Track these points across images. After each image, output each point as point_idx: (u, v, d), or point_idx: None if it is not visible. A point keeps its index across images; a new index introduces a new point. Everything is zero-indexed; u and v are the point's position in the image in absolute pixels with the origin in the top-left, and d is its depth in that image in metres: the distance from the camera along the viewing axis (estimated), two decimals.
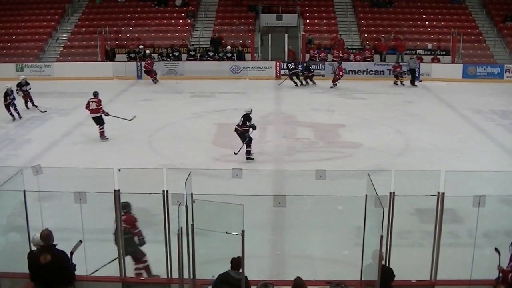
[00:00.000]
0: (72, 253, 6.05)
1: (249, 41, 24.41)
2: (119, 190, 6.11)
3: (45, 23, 25.85)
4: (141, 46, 23.78)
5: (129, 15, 26.16)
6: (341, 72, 20.88)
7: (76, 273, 6.08)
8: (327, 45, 24.48)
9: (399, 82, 21.37)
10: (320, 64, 22.86)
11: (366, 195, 6.02)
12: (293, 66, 21.35)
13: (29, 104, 17.11)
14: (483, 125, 15.46)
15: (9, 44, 24.67)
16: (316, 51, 23.83)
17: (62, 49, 24.72)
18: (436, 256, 6.29)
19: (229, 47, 23.92)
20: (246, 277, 5.49)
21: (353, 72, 22.80)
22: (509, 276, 5.85)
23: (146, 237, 7.38)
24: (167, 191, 6.08)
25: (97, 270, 6.68)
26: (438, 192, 6.07)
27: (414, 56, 22.16)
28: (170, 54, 23.84)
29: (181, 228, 5.65)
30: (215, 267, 5.87)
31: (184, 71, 23.05)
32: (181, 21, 26.20)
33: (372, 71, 22.89)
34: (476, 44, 24.19)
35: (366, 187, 6.00)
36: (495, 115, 16.69)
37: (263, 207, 7.33)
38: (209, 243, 5.92)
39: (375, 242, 5.36)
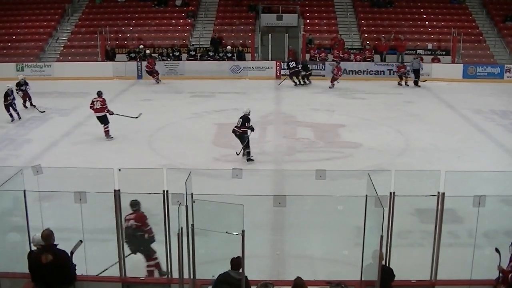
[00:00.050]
0: (72, 253, 6.05)
1: (249, 41, 24.41)
2: (119, 190, 6.12)
3: (45, 23, 25.85)
4: (141, 46, 23.78)
5: (129, 15, 26.16)
6: (339, 72, 20.86)
7: (76, 273, 6.08)
8: (327, 45, 24.47)
9: (403, 83, 21.33)
10: (321, 64, 22.86)
11: (366, 195, 6.02)
12: (294, 65, 21.35)
13: (27, 103, 17.10)
14: (483, 125, 15.46)
15: (9, 44, 24.67)
16: (316, 51, 23.83)
17: (62, 49, 24.72)
18: (436, 256, 6.29)
19: (229, 47, 23.92)
20: (246, 277, 5.49)
21: (353, 72, 22.80)
22: (509, 276, 5.85)
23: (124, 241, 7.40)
24: (167, 191, 6.09)
25: (106, 270, 6.69)
26: (438, 192, 6.07)
27: (418, 56, 22.13)
28: (170, 54, 23.84)
29: (181, 228, 5.65)
30: (215, 267, 5.87)
31: (184, 71, 23.06)
32: (181, 21, 26.20)
33: (372, 71, 22.89)
34: (476, 44, 24.18)
35: (366, 187, 6.00)
36: (495, 115, 16.69)
37: (263, 207, 7.33)
38: (209, 243, 5.92)
39: (375, 242, 5.36)
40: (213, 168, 11.46)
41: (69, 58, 23.98)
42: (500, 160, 12.57)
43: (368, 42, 23.97)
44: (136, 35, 25.09)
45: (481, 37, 24.50)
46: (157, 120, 15.45)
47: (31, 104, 17.06)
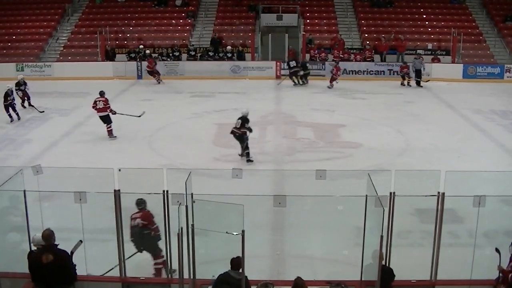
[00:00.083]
0: (72, 253, 6.06)
1: (249, 41, 24.41)
2: (119, 190, 6.12)
3: (45, 23, 25.86)
4: (141, 46, 23.78)
5: (129, 15, 26.16)
6: (338, 72, 20.85)
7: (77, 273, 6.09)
8: (327, 45, 24.47)
9: (405, 83, 21.32)
10: (321, 64, 22.86)
11: (366, 195, 6.02)
12: (294, 65, 21.36)
13: (26, 103, 17.08)
14: (483, 125, 15.46)
15: (9, 44, 24.67)
16: (316, 51, 23.83)
17: (62, 49, 24.73)
18: (436, 256, 6.29)
19: (229, 47, 23.92)
20: (246, 277, 5.49)
21: (353, 72, 22.80)
22: (509, 276, 5.85)
23: (130, 240, 7.41)
24: (167, 191, 6.09)
25: (112, 269, 6.70)
26: (438, 192, 6.07)
27: (420, 56, 22.12)
28: (170, 54, 23.84)
29: (181, 228, 5.65)
30: (215, 267, 5.87)
31: (184, 71, 23.06)
32: (181, 21, 26.20)
33: (372, 71, 22.89)
34: (476, 44, 24.19)
35: (366, 187, 6.00)
36: (495, 115, 16.69)
37: (263, 207, 7.33)
38: (209, 243, 5.92)
39: (375, 242, 5.36)
40: (213, 168, 11.46)
41: (69, 58, 23.98)
42: (500, 160, 12.57)
43: (368, 42, 23.97)
44: (136, 35, 25.10)
45: (481, 37, 24.51)
46: (157, 120, 15.45)
47: (30, 104, 17.06)
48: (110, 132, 13.90)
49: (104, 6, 26.97)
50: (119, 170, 6.26)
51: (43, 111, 16.61)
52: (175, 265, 6.53)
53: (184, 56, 23.91)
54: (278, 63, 22.93)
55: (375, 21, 25.89)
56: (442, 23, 25.09)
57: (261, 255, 7.91)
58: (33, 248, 6.36)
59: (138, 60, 22.91)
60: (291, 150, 13.31)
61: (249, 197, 5.90)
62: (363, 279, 6.12)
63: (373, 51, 23.51)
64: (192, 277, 5.85)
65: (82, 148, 13.31)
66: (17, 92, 16.47)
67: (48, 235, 5.88)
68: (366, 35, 24.86)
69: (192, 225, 5.54)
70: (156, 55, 23.68)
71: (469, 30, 24.59)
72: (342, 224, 7.85)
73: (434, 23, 25.27)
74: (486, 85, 21.48)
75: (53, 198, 7.27)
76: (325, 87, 20.70)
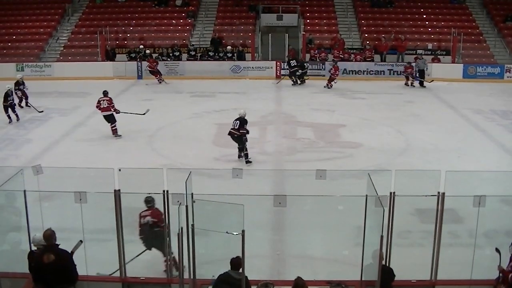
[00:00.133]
0: (72, 253, 6.06)
1: (250, 41, 24.40)
2: (119, 190, 6.12)
3: (45, 23, 25.85)
4: (141, 46, 23.77)
5: (129, 15, 26.15)
6: (337, 72, 20.83)
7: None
8: (327, 45, 24.46)
9: (409, 83, 21.30)
10: (321, 64, 22.85)
11: (367, 195, 6.02)
12: (295, 64, 21.37)
13: (23, 103, 17.05)
14: (484, 125, 15.46)
15: (9, 44, 24.66)
16: (316, 51, 23.82)
17: (62, 49, 24.72)
18: (436, 256, 6.29)
19: (229, 47, 23.91)
20: (246, 277, 5.49)
21: (353, 72, 22.78)
22: (510, 276, 5.85)
23: (139, 238, 7.41)
24: (167, 191, 6.10)
25: (117, 271, 6.71)
26: (438, 192, 6.08)
27: (423, 57, 22.08)
28: (171, 54, 23.83)
29: (181, 228, 5.66)
30: (215, 267, 5.88)
31: (185, 71, 23.05)
32: (181, 21, 26.20)
33: (372, 71, 22.88)
34: (476, 44, 24.18)
35: (366, 187, 6.00)
36: (496, 115, 16.69)
37: (263, 207, 7.33)
38: (209, 243, 5.92)
39: (376, 242, 5.36)
40: (213, 168, 11.46)
41: (69, 58, 23.97)
42: (500, 160, 12.57)
43: (368, 42, 23.96)
44: (136, 35, 25.10)
45: (481, 37, 24.50)
46: (157, 120, 15.44)
47: (27, 104, 17.05)
48: (114, 131, 13.96)
49: (104, 6, 26.97)
50: (119, 170, 6.26)
51: (42, 111, 16.57)
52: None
53: (184, 56, 23.90)
54: (278, 63, 22.93)
55: (375, 21, 25.88)
56: (442, 23, 25.08)
57: (261, 255, 7.91)
58: (33, 248, 6.36)
59: (138, 60, 22.91)
60: (291, 150, 13.31)
61: (249, 197, 5.91)
62: (363, 279, 6.13)
63: (373, 51, 23.49)
64: (192, 277, 5.85)
65: (82, 148, 13.31)
66: (16, 92, 16.45)
67: (50, 235, 5.88)
68: (366, 35, 24.85)
69: (192, 225, 5.54)
70: (156, 55, 23.67)
71: (469, 30, 24.58)
72: (342, 224, 7.86)
73: (434, 23, 25.26)
74: (486, 85, 21.47)
75: (53, 198, 7.27)
76: (325, 87, 20.67)
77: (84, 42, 24.77)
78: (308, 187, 7.27)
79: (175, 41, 24.58)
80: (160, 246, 7.17)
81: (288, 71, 21.63)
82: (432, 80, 21.17)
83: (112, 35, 24.85)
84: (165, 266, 7.02)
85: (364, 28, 25.40)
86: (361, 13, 26.18)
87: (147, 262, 7.27)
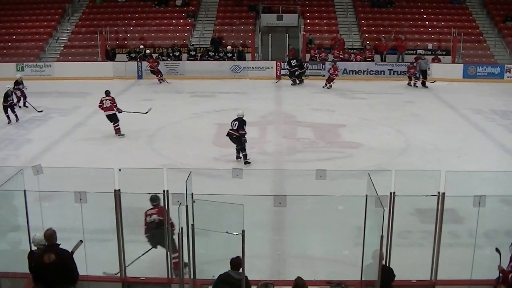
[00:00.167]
0: (72, 253, 6.06)
1: (250, 41, 24.40)
2: (119, 190, 6.12)
3: (45, 23, 25.86)
4: (141, 46, 23.78)
5: (129, 15, 26.16)
6: (335, 72, 20.82)
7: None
8: (327, 45, 24.46)
9: (412, 83, 21.30)
10: (321, 64, 22.85)
11: (367, 195, 6.02)
12: (295, 63, 21.37)
13: (21, 103, 17.05)
14: (484, 125, 15.46)
15: (9, 44, 24.66)
16: (316, 51, 23.81)
17: (62, 49, 24.72)
18: (437, 256, 6.30)
19: (229, 47, 23.91)
20: (246, 277, 5.49)
21: (353, 72, 22.78)
22: (510, 276, 5.86)
23: (145, 236, 7.41)
24: (167, 191, 6.10)
25: (129, 264, 6.73)
26: (438, 192, 6.08)
27: (425, 57, 22.06)
28: (171, 54, 23.83)
29: (181, 228, 5.66)
30: (215, 267, 5.88)
31: (185, 71, 23.05)
32: (181, 21, 26.20)
33: (372, 71, 22.87)
34: (476, 44, 24.18)
35: (367, 187, 6.00)
36: (496, 115, 16.69)
37: (263, 207, 7.33)
38: (209, 243, 5.92)
39: (376, 242, 5.36)
40: (213, 168, 11.46)
41: (69, 58, 23.97)
42: (500, 160, 12.57)
43: (368, 42, 23.96)
44: (137, 35, 25.10)
45: (481, 37, 24.50)
46: (158, 120, 15.44)
47: (24, 105, 17.05)
48: (117, 130, 14.02)
49: (104, 6, 26.97)
50: (119, 170, 6.26)
51: (41, 111, 16.57)
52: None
53: (185, 56, 23.90)
54: (278, 63, 22.92)
55: (375, 21, 25.88)
56: (442, 23, 25.08)
57: (261, 255, 7.91)
58: (33, 248, 6.36)
59: (138, 60, 22.91)
60: (291, 150, 13.31)
61: (249, 197, 5.91)
62: (363, 279, 6.13)
63: (374, 51, 23.49)
64: (192, 277, 5.85)
65: (82, 148, 13.32)
66: (15, 92, 16.43)
67: (50, 235, 5.88)
68: (366, 35, 24.85)
69: (192, 225, 5.54)
70: (157, 55, 23.67)
71: (469, 30, 24.58)
72: (342, 224, 7.86)
73: (434, 23, 25.26)
74: (486, 85, 21.47)
75: (53, 198, 7.27)
76: (325, 87, 20.67)
77: (84, 42, 24.77)
78: (308, 187, 7.27)
79: (175, 41, 24.58)
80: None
81: (288, 71, 21.65)
82: (435, 81, 21.14)
83: (112, 35, 24.85)
84: (173, 263, 7.02)
85: (364, 28, 25.40)
86: (361, 13, 26.18)
87: (147, 262, 7.27)
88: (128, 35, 25.26)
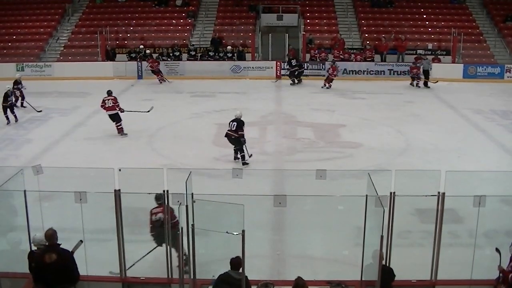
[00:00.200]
0: (72, 252, 6.06)
1: (250, 41, 24.40)
2: (119, 190, 6.12)
3: (45, 23, 25.85)
4: (141, 46, 23.78)
5: (129, 15, 26.15)
6: (334, 72, 20.80)
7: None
8: (327, 45, 24.46)
9: (414, 83, 21.28)
10: (321, 64, 22.85)
11: (367, 195, 6.02)
12: (295, 63, 21.38)
13: (19, 102, 17.03)
14: (484, 125, 15.46)
15: (9, 44, 24.65)
16: (316, 51, 23.81)
17: (62, 49, 24.72)
18: (437, 256, 6.30)
19: (229, 47, 23.91)
20: (246, 277, 5.49)
21: (353, 72, 22.78)
22: (510, 277, 5.86)
23: (145, 236, 7.40)
24: (167, 191, 6.10)
25: (136, 262, 6.75)
26: (439, 192, 6.08)
27: (428, 57, 22.05)
28: (171, 54, 23.83)
29: (181, 228, 5.66)
30: (215, 267, 5.88)
31: (185, 71, 23.05)
32: (181, 21, 26.20)
33: (372, 71, 22.87)
34: (476, 44, 24.17)
35: (367, 187, 6.00)
36: (496, 115, 16.69)
37: (263, 207, 7.33)
38: (209, 243, 5.92)
39: (376, 242, 5.36)
40: (213, 168, 11.46)
41: (69, 58, 23.97)
42: (500, 160, 12.57)
43: (368, 42, 23.96)
44: (137, 35, 25.09)
45: (481, 37, 24.49)
46: (158, 120, 15.44)
47: (22, 105, 17.03)
48: (120, 130, 14.07)
49: (104, 6, 26.97)
50: (119, 170, 6.26)
51: (41, 111, 16.56)
52: (175, 265, 6.55)
53: (185, 56, 23.89)
54: (278, 63, 22.92)
55: (375, 21, 25.88)
56: (442, 23, 25.08)
57: (261, 255, 7.91)
58: (33, 248, 6.36)
59: (138, 60, 22.91)
60: (291, 150, 13.31)
61: (249, 197, 5.91)
62: (363, 279, 6.13)
63: (374, 51, 23.48)
64: (192, 277, 5.85)
65: (82, 148, 13.32)
66: (14, 91, 16.41)
67: (51, 235, 5.89)
68: (367, 35, 24.85)
69: (192, 225, 5.54)
70: (157, 55, 23.67)
71: (469, 30, 24.57)
72: (342, 224, 7.86)
73: (434, 23, 25.25)
74: (486, 85, 21.47)
75: (53, 198, 7.27)
76: (324, 87, 20.66)
77: (84, 42, 24.76)
78: (308, 187, 7.27)
79: (175, 41, 24.58)
80: (172, 243, 7.17)
81: (288, 70, 21.66)
82: (437, 81, 21.12)
83: (112, 35, 24.85)
84: (178, 262, 7.01)
85: (364, 28, 25.40)
86: (361, 13, 26.17)
87: (147, 262, 7.27)
88: (128, 35, 25.25)
